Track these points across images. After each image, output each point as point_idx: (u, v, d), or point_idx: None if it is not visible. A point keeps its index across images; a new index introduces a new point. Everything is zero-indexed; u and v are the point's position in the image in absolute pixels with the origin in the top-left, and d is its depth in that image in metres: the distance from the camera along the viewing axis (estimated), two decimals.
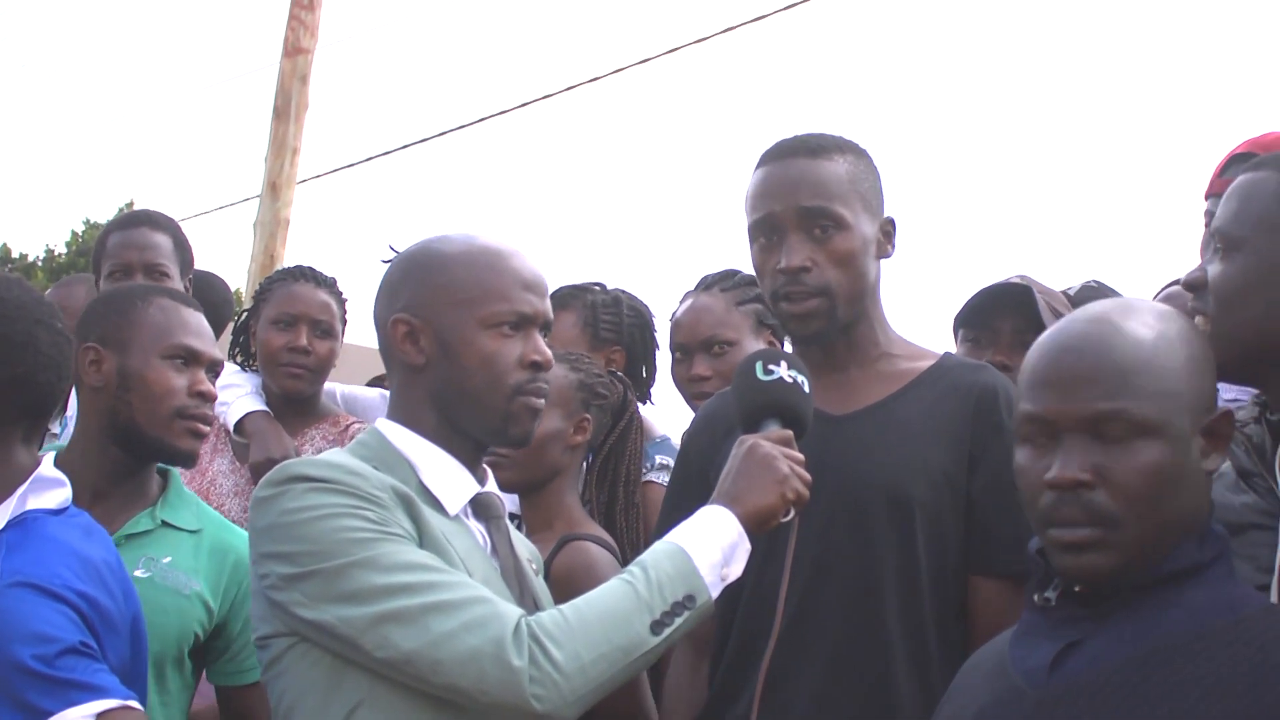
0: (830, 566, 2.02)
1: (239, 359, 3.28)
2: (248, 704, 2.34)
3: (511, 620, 1.66)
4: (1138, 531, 1.45)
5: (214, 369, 2.33)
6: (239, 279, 10.12)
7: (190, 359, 2.27)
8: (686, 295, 3.07)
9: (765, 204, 2.11)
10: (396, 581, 1.66)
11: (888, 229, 2.17)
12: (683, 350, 3.02)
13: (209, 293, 3.67)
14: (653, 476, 2.92)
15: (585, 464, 2.75)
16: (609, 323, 3.25)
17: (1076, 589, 1.51)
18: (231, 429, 3.08)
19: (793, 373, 1.93)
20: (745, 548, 1.78)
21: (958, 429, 2.07)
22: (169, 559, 2.24)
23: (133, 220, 3.36)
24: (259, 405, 3.12)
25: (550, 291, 1.94)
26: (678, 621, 1.70)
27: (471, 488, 1.88)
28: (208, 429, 2.31)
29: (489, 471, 1.95)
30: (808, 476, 1.84)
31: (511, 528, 1.96)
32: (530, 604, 1.83)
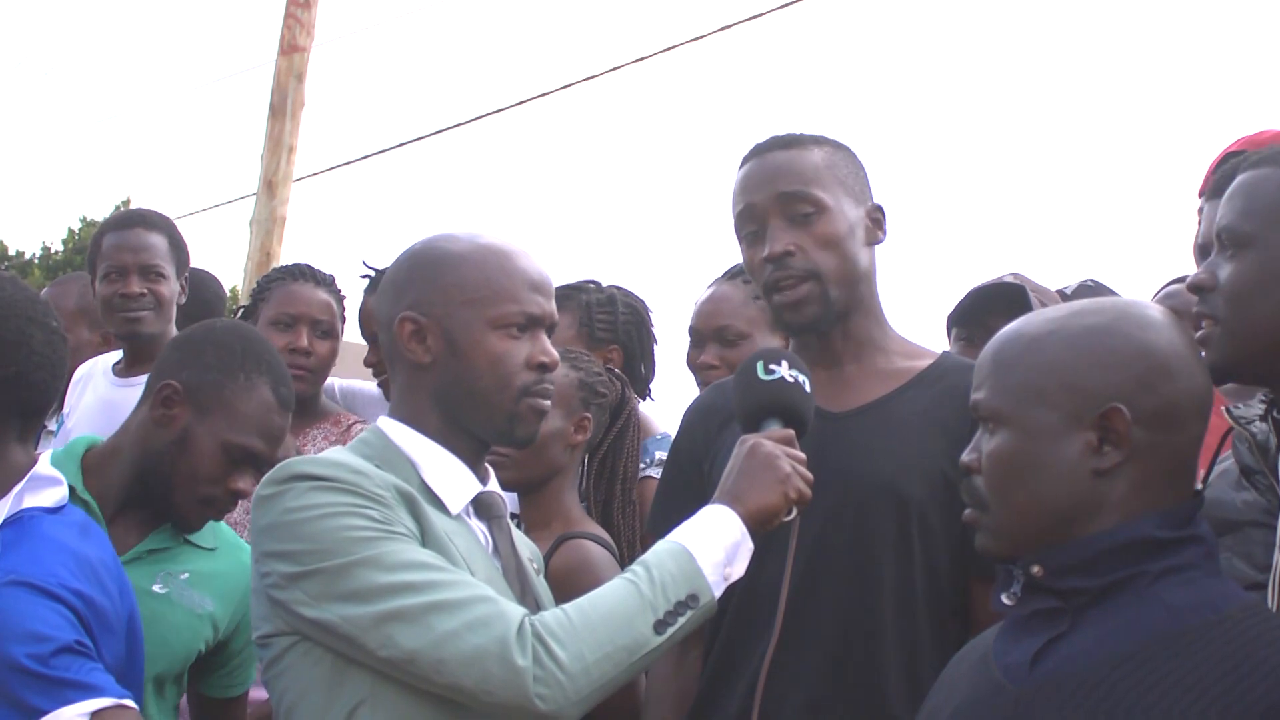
0: (827, 564, 2.02)
1: None
2: (231, 715, 2.37)
3: (515, 619, 1.65)
4: (1000, 516, 1.55)
5: None
6: (235, 277, 10.12)
7: None
8: (713, 282, 3.09)
9: (745, 197, 2.14)
10: (399, 580, 1.66)
11: (876, 215, 2.17)
12: (696, 335, 3.03)
13: (200, 290, 3.65)
14: (652, 473, 2.92)
15: (583, 462, 2.74)
16: (604, 322, 3.25)
17: (1034, 570, 1.52)
18: None
19: (794, 372, 1.93)
20: (748, 547, 1.78)
21: (956, 429, 2.06)
22: (185, 574, 2.24)
23: (127, 220, 3.33)
24: None
25: None
26: (681, 621, 1.70)
27: (474, 487, 1.87)
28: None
29: (491, 471, 1.95)
30: (810, 476, 1.84)
31: (513, 527, 1.95)
32: (532, 603, 1.83)
